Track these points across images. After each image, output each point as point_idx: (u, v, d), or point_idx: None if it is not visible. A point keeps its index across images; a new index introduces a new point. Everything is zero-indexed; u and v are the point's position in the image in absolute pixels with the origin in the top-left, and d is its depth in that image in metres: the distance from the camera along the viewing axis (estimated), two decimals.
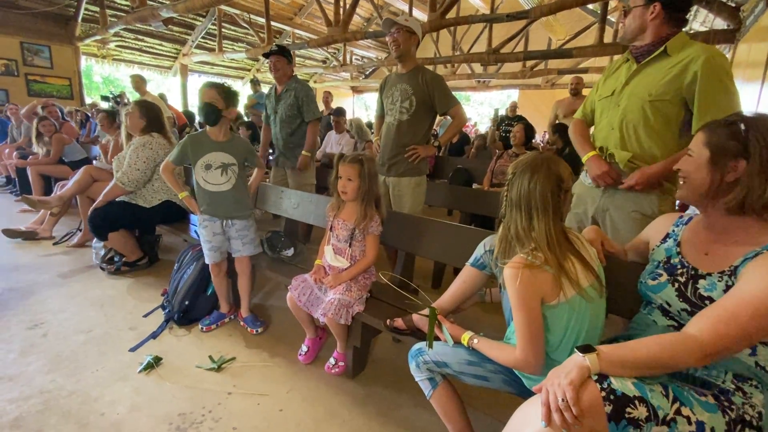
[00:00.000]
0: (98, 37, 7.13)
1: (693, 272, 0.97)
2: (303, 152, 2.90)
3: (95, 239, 2.88)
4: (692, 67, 1.34)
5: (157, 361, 1.83)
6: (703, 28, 5.35)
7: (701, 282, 0.94)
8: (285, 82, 2.90)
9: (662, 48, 1.41)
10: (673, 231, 1.10)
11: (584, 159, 1.63)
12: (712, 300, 0.90)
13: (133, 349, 1.92)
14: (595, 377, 0.80)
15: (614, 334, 1.18)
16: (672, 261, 1.04)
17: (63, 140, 4.40)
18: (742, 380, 0.88)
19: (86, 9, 7.14)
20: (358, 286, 1.74)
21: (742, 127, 0.89)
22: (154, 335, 2.05)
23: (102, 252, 2.86)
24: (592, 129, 1.75)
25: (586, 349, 0.84)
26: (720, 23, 4.29)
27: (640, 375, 0.81)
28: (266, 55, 2.86)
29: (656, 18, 1.42)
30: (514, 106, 7.24)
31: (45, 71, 7.35)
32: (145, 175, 2.70)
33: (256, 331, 2.11)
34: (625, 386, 0.78)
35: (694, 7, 4.86)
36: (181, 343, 2.01)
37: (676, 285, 0.98)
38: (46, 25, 7.13)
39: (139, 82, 5.22)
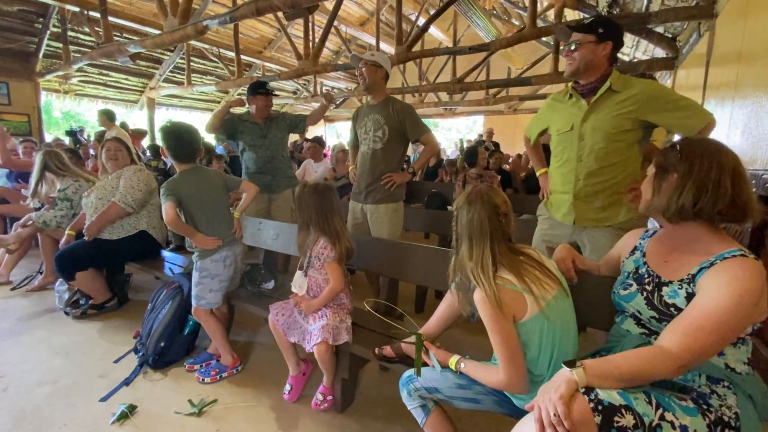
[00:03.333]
0: (60, 73, 6.96)
1: (657, 280, 1.05)
2: None
3: (58, 282, 2.73)
4: (643, 101, 1.53)
5: (131, 409, 1.72)
6: (645, 57, 5.87)
7: (665, 289, 1.01)
8: (266, 115, 2.96)
9: (607, 86, 1.57)
10: (640, 244, 1.19)
11: (538, 173, 1.99)
12: (676, 306, 0.97)
13: (104, 399, 1.80)
14: (583, 390, 0.84)
15: (595, 348, 1.23)
16: (640, 271, 1.12)
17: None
18: (714, 382, 0.94)
19: (48, 45, 7.00)
20: (333, 310, 1.76)
21: (678, 147, 1.01)
22: (127, 382, 1.93)
23: (66, 295, 2.70)
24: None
25: (573, 363, 0.88)
26: (660, 52, 4.73)
27: (623, 387, 0.86)
28: (267, 93, 2.90)
29: (607, 55, 1.58)
30: (490, 132, 7.55)
31: (2, 108, 7.06)
32: (145, 197, 2.73)
33: (202, 380, 1.96)
34: (611, 396, 0.82)
35: (636, 38, 5.34)
36: (157, 388, 1.90)
37: (645, 294, 1.06)
38: (5, 62, 6.89)
39: (104, 118, 5.14)
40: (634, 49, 5.96)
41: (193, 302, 2.01)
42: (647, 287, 1.05)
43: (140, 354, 2.10)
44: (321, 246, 1.77)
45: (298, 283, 1.85)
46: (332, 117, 14.11)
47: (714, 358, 0.94)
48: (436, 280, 1.87)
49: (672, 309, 0.97)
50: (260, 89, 2.87)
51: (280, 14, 5.55)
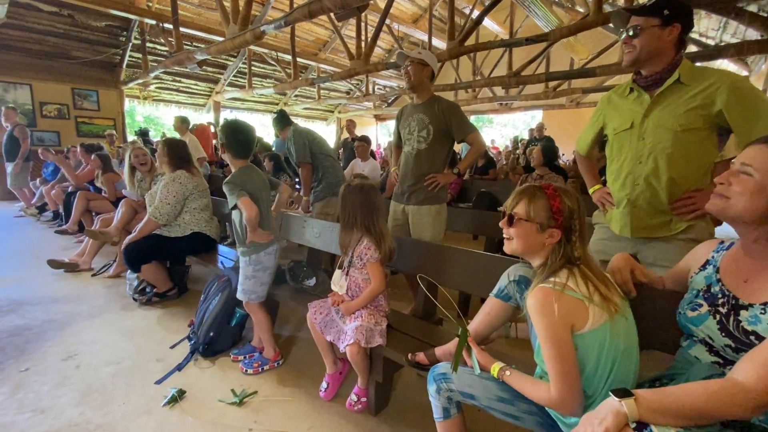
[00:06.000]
0: (140, 81, 7.72)
1: (734, 301, 0.89)
2: (304, 197, 3.17)
3: (129, 270, 3.00)
4: (720, 95, 1.28)
5: (180, 394, 1.83)
6: (734, 40, 5.16)
7: (743, 313, 0.86)
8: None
9: (676, 77, 1.35)
10: (713, 257, 1.01)
11: (591, 190, 1.72)
12: (758, 335, 0.82)
13: (159, 382, 1.94)
14: (634, 425, 0.73)
15: (656, 372, 1.08)
16: (712, 290, 0.96)
17: (112, 178, 4.54)
18: None
19: (130, 56, 7.80)
20: (369, 312, 1.73)
21: None
22: (179, 367, 2.07)
23: (135, 283, 2.96)
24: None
25: (623, 393, 0.76)
26: (753, 33, 4.13)
27: (683, 425, 0.73)
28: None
29: (673, 41, 1.35)
30: (540, 128, 7.15)
31: (93, 113, 8.01)
32: (175, 209, 2.82)
33: (245, 371, 2.04)
34: None
35: (723, 19, 4.72)
36: (204, 376, 2.02)
37: (718, 317, 0.90)
38: (95, 72, 7.81)
39: (178, 123, 5.57)
40: (721, 31, 5.27)
41: (244, 297, 2.08)
42: (721, 309, 0.90)
43: (192, 342, 2.24)
44: (365, 246, 1.76)
45: (338, 282, 1.85)
46: (384, 116, 14.20)
47: None
48: (477, 287, 1.77)
49: (752, 338, 0.82)
50: None
51: (333, 16, 5.65)
